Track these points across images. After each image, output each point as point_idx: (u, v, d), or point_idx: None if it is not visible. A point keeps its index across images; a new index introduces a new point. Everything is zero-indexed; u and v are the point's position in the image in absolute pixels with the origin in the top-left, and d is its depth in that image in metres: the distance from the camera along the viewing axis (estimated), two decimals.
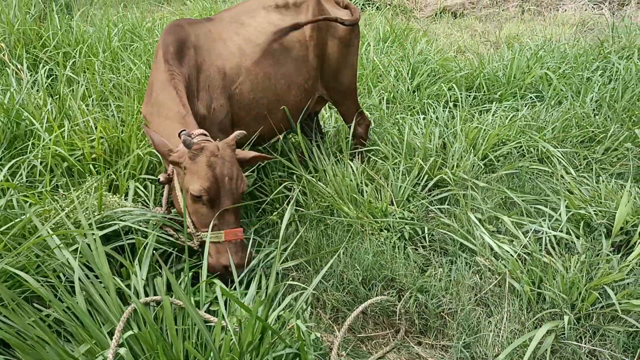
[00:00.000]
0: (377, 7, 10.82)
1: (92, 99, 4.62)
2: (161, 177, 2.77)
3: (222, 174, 2.60)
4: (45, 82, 4.84)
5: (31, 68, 5.15)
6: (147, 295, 2.44)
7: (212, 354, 1.92)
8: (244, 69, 3.20)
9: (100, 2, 11.52)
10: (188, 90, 2.92)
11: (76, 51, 5.41)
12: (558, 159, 4.01)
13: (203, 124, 3.02)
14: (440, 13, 11.18)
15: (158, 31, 6.66)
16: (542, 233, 3.10)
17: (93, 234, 2.28)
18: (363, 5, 10.89)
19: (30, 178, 3.41)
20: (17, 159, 3.46)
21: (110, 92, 4.80)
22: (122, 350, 1.94)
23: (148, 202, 3.13)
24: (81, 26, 6.27)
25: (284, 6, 3.57)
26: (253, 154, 2.82)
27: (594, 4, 10.40)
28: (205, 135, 2.72)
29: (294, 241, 3.06)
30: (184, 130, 2.66)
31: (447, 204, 3.62)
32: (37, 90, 4.63)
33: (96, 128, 3.79)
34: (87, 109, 4.34)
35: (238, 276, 2.56)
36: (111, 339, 2.01)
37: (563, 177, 3.76)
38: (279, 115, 3.43)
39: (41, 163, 3.51)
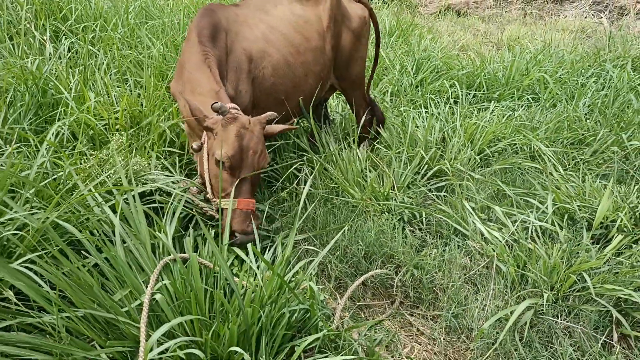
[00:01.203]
0: (384, 0, 11.06)
1: (111, 74, 4.85)
2: (194, 145, 2.97)
3: (247, 146, 2.80)
4: (66, 55, 5.05)
5: (54, 39, 5.36)
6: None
7: (237, 302, 2.20)
8: (267, 54, 3.46)
9: None
10: (220, 71, 3.17)
11: (96, 25, 5.61)
12: (549, 158, 4.31)
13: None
14: (445, 10, 11.43)
15: (170, 10, 6.88)
16: (529, 223, 3.40)
17: (132, 190, 2.55)
18: None
19: (60, 143, 3.65)
20: (52, 125, 3.70)
21: (128, 68, 5.02)
22: (158, 297, 2.21)
23: (172, 171, 3.39)
24: (99, 1, 6.48)
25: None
26: (281, 127, 3.03)
27: (594, 12, 10.70)
28: (236, 109, 2.95)
29: (304, 217, 3.34)
30: (217, 102, 2.91)
31: (444, 193, 3.91)
32: (61, 62, 4.85)
33: (119, 101, 4.04)
34: (108, 83, 4.58)
35: (244, 242, 2.77)
36: (146, 287, 2.28)
37: (552, 174, 4.06)
38: (295, 101, 3.69)
39: (68, 129, 3.75)
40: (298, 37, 3.63)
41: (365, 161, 3.96)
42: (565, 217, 3.50)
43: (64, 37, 5.29)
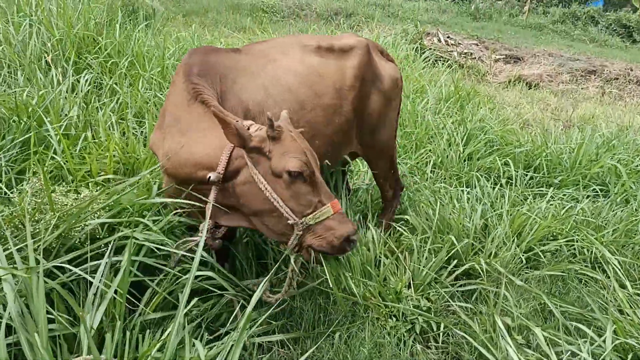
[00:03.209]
0: (449, 64, 10.49)
1: (129, 113, 4.46)
2: (212, 176, 2.39)
3: (307, 147, 2.45)
4: (86, 89, 4.72)
5: (77, 73, 5.07)
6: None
7: None
8: (267, 108, 2.89)
9: (179, 20, 11.79)
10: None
11: (124, 62, 5.31)
12: (614, 268, 3.46)
13: None
14: (515, 81, 10.71)
15: None
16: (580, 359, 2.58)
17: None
18: (435, 61, 10.60)
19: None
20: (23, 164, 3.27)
21: (148, 110, 4.62)
22: None
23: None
24: (142, 38, 6.25)
25: (327, 49, 3.26)
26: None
27: None
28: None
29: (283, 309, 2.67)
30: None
31: (474, 299, 3.14)
32: (62, 95, 4.49)
33: (110, 144, 3.57)
34: (116, 123, 4.18)
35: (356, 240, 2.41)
36: None
37: (616, 292, 3.21)
38: None
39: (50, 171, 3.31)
40: (305, 91, 3.05)
41: (380, 246, 3.27)
42: (629, 357, 2.64)
43: (85, 71, 4.99)
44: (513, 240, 3.62)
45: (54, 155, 3.32)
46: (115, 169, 3.53)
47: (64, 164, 3.27)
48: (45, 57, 4.86)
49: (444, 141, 5.30)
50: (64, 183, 3.08)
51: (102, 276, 2.21)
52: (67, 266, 2.19)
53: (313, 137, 3.07)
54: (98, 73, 5.15)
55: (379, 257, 3.22)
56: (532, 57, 13.16)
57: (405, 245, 3.32)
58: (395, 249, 3.22)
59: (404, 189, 3.82)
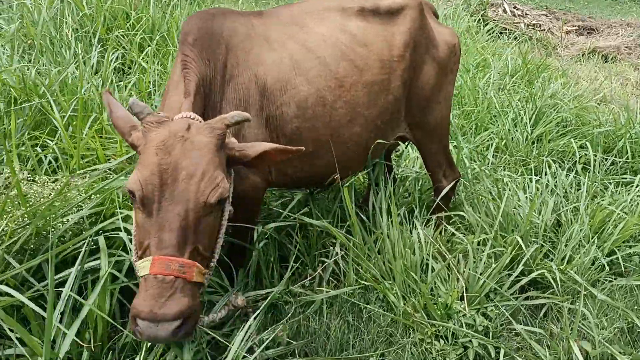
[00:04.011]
0: (515, 36, 9.60)
1: (153, 92, 4.08)
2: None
3: (175, 165, 1.71)
4: (112, 66, 4.37)
5: (104, 50, 4.73)
6: None
7: None
8: (291, 86, 2.39)
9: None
10: (205, 99, 2.18)
11: (156, 38, 4.93)
12: None
13: None
14: (589, 54, 9.69)
15: None
16: None
17: None
18: (500, 34, 9.72)
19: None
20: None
21: None
22: None
23: None
24: (180, 13, 5.85)
25: (372, 11, 2.70)
26: (263, 148, 1.89)
27: None
28: (195, 118, 1.91)
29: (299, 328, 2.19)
30: (135, 100, 1.87)
31: (542, 316, 2.56)
32: (97, 73, 4.16)
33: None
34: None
35: (151, 338, 1.59)
36: None
37: None
38: (331, 156, 2.57)
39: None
40: (346, 65, 2.52)
41: (428, 248, 2.73)
42: None
43: (112, 48, 4.64)
44: (593, 241, 2.99)
45: (59, 141, 2.96)
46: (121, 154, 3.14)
47: (68, 149, 2.91)
48: (67, 33, 4.53)
49: (509, 121, 4.63)
50: (60, 172, 2.72)
51: (71, 288, 1.80)
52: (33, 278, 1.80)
53: (351, 122, 2.56)
54: (127, 50, 4.80)
55: (426, 260, 2.68)
56: (608, 28, 11.97)
57: (459, 248, 2.76)
58: (446, 252, 2.67)
59: (460, 178, 3.24)
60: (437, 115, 2.99)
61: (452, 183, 3.18)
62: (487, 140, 4.43)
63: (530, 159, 4.11)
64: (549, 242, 3.10)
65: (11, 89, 3.33)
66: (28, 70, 3.71)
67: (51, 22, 4.92)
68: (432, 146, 3.08)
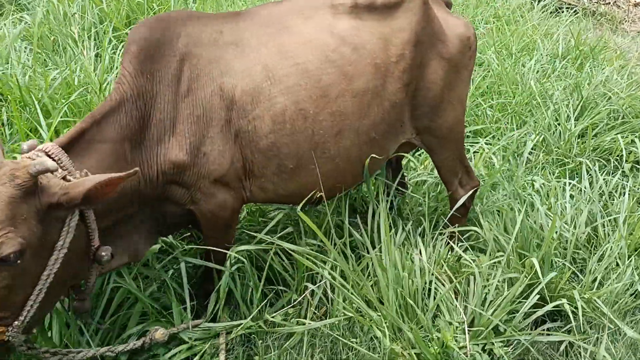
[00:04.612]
0: (575, 11, 8.83)
1: None
2: None
3: None
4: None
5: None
6: None
7: None
8: (265, 97, 2.14)
9: None
10: (145, 117, 1.99)
11: None
12: None
13: (178, 175, 2.07)
14: None
15: None
16: None
17: None
18: (557, 10, 8.99)
19: None
20: None
21: None
22: None
23: None
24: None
25: (366, 7, 2.39)
26: (87, 186, 1.61)
27: None
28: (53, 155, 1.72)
29: None
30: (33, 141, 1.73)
31: (561, 353, 2.24)
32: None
33: None
34: None
35: None
36: None
37: None
38: (322, 170, 2.32)
39: None
40: (331, 72, 2.24)
41: (433, 268, 2.44)
42: None
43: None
44: (629, 262, 2.60)
45: None
46: None
47: None
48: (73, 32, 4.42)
49: (549, 113, 4.19)
50: None
51: None
52: None
53: (339, 135, 2.29)
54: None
55: (430, 284, 2.40)
56: None
57: (468, 270, 2.45)
58: (451, 276, 2.38)
59: (479, 187, 2.91)
60: (450, 117, 2.67)
61: (470, 192, 2.86)
62: (524, 137, 4.02)
63: (570, 158, 3.69)
64: (580, 260, 2.74)
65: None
66: (30, 69, 3.62)
67: (73, 18, 4.86)
68: (445, 152, 2.76)
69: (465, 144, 2.93)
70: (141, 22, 2.08)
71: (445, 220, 2.79)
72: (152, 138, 2.00)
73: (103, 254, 1.84)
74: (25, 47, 4.42)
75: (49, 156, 1.70)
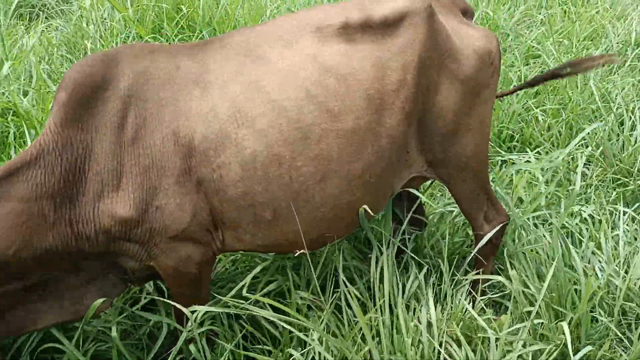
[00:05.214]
0: None
1: None
2: None
3: None
4: None
5: None
6: None
7: None
8: (231, 142, 1.84)
9: None
10: (70, 173, 1.77)
11: (200, 32, 4.52)
12: None
13: (124, 232, 1.83)
14: None
15: None
16: None
17: None
18: None
19: None
20: None
21: None
22: None
23: None
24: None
25: (360, 26, 2.01)
26: None
27: None
28: None
29: None
30: None
31: None
32: None
33: None
34: None
35: None
36: None
37: None
38: (306, 219, 2.00)
39: None
40: (312, 109, 1.90)
41: (441, 332, 2.07)
42: None
43: None
44: None
45: None
46: None
47: None
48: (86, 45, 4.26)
49: (612, 119, 3.62)
50: None
51: None
52: None
53: (323, 182, 1.96)
54: None
55: (439, 347, 2.03)
56: None
57: (482, 334, 2.06)
58: (463, 341, 2.00)
59: (508, 221, 2.49)
60: (469, 145, 2.27)
61: (498, 227, 2.45)
62: (580, 149, 3.47)
63: (629, 178, 3.14)
64: (631, 314, 2.27)
65: None
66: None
67: (103, 24, 4.75)
68: (465, 184, 2.37)
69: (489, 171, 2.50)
70: (79, 62, 1.85)
71: (465, 265, 2.40)
72: (88, 193, 1.79)
73: None
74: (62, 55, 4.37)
75: None
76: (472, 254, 2.39)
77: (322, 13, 2.07)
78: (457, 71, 2.14)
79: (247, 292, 2.05)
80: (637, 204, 2.90)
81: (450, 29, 2.15)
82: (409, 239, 2.56)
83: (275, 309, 2.02)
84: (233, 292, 2.02)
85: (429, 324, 2.07)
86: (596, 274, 2.35)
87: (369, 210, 2.05)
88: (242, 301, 1.97)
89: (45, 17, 5.19)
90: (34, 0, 5.58)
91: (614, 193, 3.06)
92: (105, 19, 4.83)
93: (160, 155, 1.80)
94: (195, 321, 1.92)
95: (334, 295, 2.16)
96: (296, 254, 1.99)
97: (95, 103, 1.78)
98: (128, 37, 4.60)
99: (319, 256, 2.38)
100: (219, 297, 2.07)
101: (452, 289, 2.28)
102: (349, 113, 1.94)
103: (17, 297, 1.83)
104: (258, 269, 2.14)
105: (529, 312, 2.13)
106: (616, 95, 3.85)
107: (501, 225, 2.46)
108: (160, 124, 1.81)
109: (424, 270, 2.39)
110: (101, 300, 1.90)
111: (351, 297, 2.05)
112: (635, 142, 3.37)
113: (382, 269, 2.19)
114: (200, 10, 4.80)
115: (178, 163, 1.81)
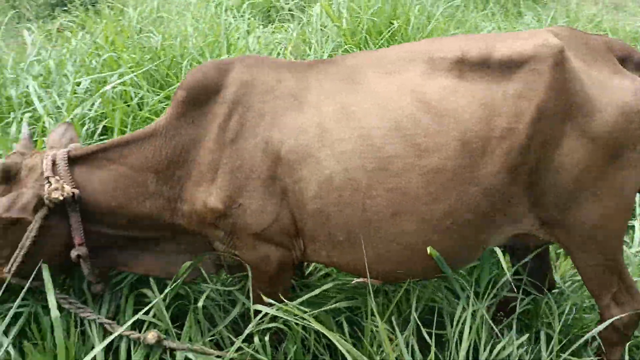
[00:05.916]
0: None
1: None
2: None
3: None
4: None
5: None
6: None
7: None
8: (313, 159, 1.90)
9: None
10: (175, 157, 2.03)
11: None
12: None
13: (213, 220, 2.04)
14: None
15: None
16: None
17: None
18: None
19: None
20: None
21: None
22: None
23: None
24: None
25: (477, 64, 1.88)
26: None
27: None
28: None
29: None
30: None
31: None
32: None
33: None
34: None
35: None
36: None
37: None
38: (375, 252, 1.98)
39: None
40: (398, 142, 1.86)
41: None
42: None
43: None
44: None
45: None
46: None
47: None
48: None
49: None
50: None
51: None
52: None
53: (396, 217, 1.92)
54: None
55: None
56: None
57: None
58: None
59: None
60: (594, 212, 1.96)
61: (629, 313, 2.07)
62: None
63: None
64: None
65: None
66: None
67: (322, 31, 5.15)
68: (587, 256, 2.06)
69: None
70: (199, 67, 2.13)
71: (578, 345, 2.09)
72: (188, 178, 2.03)
73: (73, 253, 2.00)
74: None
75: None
76: (586, 336, 2.07)
77: (441, 44, 2.01)
78: (587, 126, 1.86)
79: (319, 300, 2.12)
80: None
81: (589, 79, 1.88)
82: (523, 299, 2.32)
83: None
84: (300, 300, 2.08)
85: None
86: None
87: (439, 256, 1.94)
88: (307, 309, 2.03)
89: (278, 20, 5.82)
90: (278, 5, 6.31)
91: None
92: (326, 26, 5.23)
93: (250, 159, 1.95)
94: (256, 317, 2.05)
95: (404, 334, 2.09)
96: (353, 282, 1.98)
97: (206, 103, 2.01)
98: (339, 45, 4.88)
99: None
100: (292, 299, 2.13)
101: None
102: (436, 151, 1.85)
103: (124, 242, 2.15)
104: (330, 284, 2.18)
105: None
106: None
107: (635, 312, 2.07)
108: (255, 131, 1.96)
109: (523, 338, 2.16)
110: (189, 263, 2.16)
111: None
112: None
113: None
114: (410, 27, 4.87)
115: (265, 169, 1.94)
